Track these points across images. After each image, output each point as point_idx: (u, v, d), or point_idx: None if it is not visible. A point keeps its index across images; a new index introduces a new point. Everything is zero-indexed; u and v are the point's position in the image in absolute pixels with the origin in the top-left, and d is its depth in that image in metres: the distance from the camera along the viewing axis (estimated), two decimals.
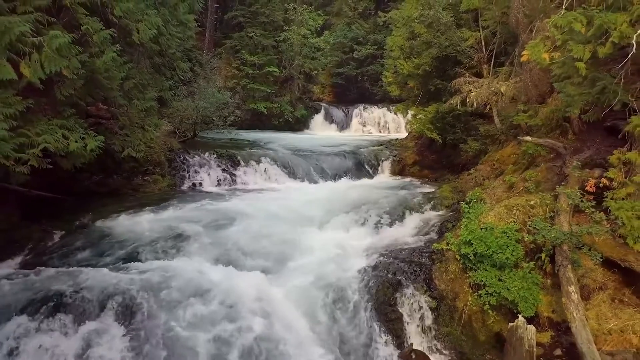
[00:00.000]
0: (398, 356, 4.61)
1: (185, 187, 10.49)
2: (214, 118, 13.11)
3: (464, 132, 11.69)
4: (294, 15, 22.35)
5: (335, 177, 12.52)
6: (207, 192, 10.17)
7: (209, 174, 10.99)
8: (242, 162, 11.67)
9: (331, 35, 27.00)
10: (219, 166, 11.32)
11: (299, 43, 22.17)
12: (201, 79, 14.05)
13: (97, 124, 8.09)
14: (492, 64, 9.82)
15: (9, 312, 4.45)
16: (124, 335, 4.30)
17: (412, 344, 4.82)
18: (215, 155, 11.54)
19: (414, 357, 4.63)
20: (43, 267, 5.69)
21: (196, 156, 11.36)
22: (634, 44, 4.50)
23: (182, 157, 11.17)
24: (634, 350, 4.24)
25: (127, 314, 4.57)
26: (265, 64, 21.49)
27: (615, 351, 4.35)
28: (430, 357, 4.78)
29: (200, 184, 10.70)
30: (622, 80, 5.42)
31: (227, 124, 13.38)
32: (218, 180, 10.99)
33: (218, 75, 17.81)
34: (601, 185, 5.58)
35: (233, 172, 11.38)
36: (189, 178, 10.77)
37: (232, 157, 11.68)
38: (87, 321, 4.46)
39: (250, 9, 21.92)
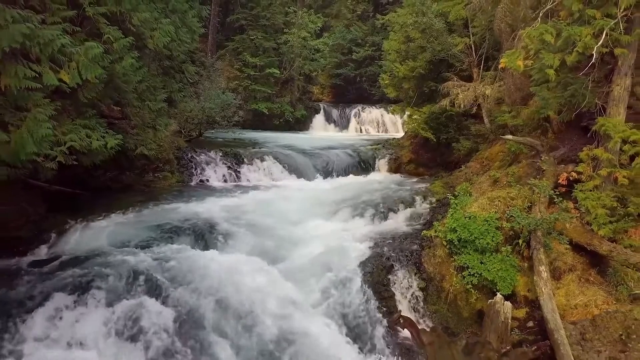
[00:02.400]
0: (388, 321, 5.26)
1: (193, 183, 11.10)
2: (217, 118, 13.72)
3: (456, 131, 12.35)
4: (294, 18, 23.00)
5: (335, 174, 13.15)
6: (214, 188, 10.79)
7: (215, 171, 11.61)
8: (246, 160, 12.30)
9: (330, 37, 27.66)
10: (225, 164, 11.95)
11: (299, 45, 22.82)
12: (206, 80, 14.66)
13: (110, 124, 8.70)
14: (481, 67, 10.49)
15: (48, 289, 5.08)
16: (153, 307, 4.93)
17: (400, 311, 5.48)
18: (220, 154, 12.17)
19: (402, 321, 5.29)
20: (71, 252, 6.37)
21: (202, 154, 11.99)
22: (595, 53, 5.16)
23: (189, 155, 11.79)
24: (591, 318, 4.89)
25: (153, 290, 5.21)
26: (266, 66, 22.12)
27: (577, 320, 5.00)
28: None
29: (207, 180, 11.33)
30: (590, 85, 6.09)
31: (231, 124, 14.00)
32: (224, 177, 11.62)
33: (221, 77, 18.41)
34: (571, 178, 6.24)
35: (237, 170, 12.01)
36: (197, 175, 11.39)
37: (236, 156, 12.32)
38: (118, 296, 5.09)
39: (251, 12, 22.57)
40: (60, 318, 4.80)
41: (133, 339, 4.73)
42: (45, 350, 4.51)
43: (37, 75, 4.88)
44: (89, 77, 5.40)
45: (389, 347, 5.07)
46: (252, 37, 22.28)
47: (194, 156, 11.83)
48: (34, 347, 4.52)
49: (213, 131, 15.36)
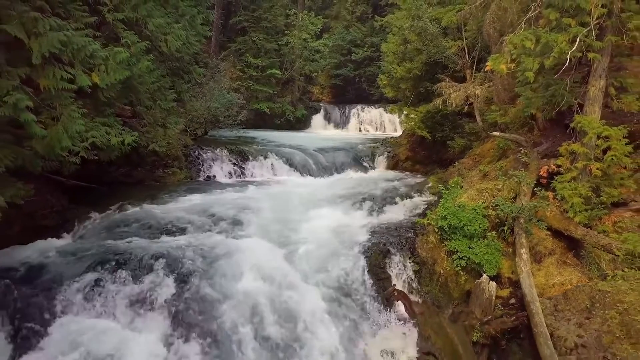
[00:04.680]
0: (384, 296, 5.86)
1: (200, 178, 11.70)
2: (220, 118, 14.29)
3: (451, 130, 12.95)
4: (295, 20, 23.60)
5: (335, 171, 13.75)
6: (220, 183, 11.38)
7: (221, 168, 12.21)
8: (250, 157, 12.92)
9: (330, 38, 28.24)
10: (230, 160, 12.55)
11: (299, 47, 23.42)
12: (210, 81, 15.24)
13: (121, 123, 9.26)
14: (474, 68, 11.09)
15: (81, 269, 5.67)
16: (172, 283, 5.53)
17: (394, 285, 6.08)
18: (226, 151, 12.77)
19: (396, 294, 5.88)
20: (95, 238, 6.96)
21: (209, 152, 12.58)
22: (569, 58, 5.76)
23: (196, 153, 12.38)
24: (563, 292, 5.48)
25: (172, 268, 5.80)
26: (267, 67, 22.73)
27: (552, 296, 5.59)
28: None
29: (214, 176, 11.93)
30: (569, 85, 6.71)
31: (235, 123, 14.60)
32: (229, 173, 12.23)
33: (225, 78, 18.99)
34: (551, 171, 6.84)
35: (242, 166, 12.62)
36: (204, 171, 11.99)
37: (241, 153, 12.93)
38: (141, 274, 5.68)
39: (253, 14, 23.17)
40: (91, 292, 5.37)
41: (156, 311, 5.32)
42: (80, 319, 5.09)
43: (71, 77, 5.46)
44: (117, 79, 5.97)
45: (385, 320, 5.68)
46: (254, 39, 22.89)
47: (201, 153, 12.41)
48: (69, 317, 5.10)
49: (217, 130, 15.98)
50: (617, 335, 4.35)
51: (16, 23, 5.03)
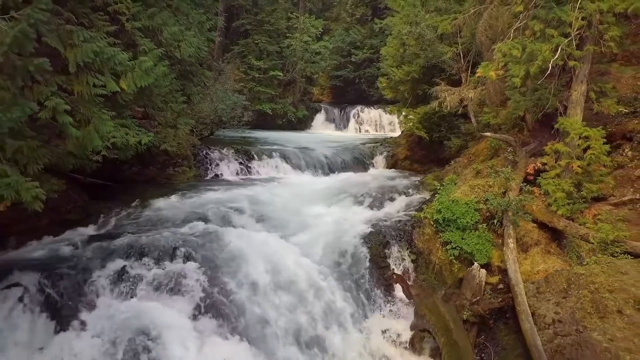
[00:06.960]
0: (384, 281, 6.46)
1: (208, 177, 12.31)
2: (224, 119, 14.83)
3: (448, 130, 13.54)
4: (296, 23, 24.19)
5: (336, 170, 14.33)
6: (228, 181, 11.98)
7: (228, 167, 12.80)
8: (255, 156, 13.51)
9: (330, 40, 28.82)
10: (236, 160, 13.15)
11: (301, 49, 24.01)
12: (218, 83, 15.82)
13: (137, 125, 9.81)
14: (468, 72, 11.69)
15: (109, 256, 6.26)
16: (193, 268, 6.13)
17: (393, 269, 6.68)
18: (232, 151, 13.37)
19: (394, 277, 6.48)
20: (117, 231, 7.54)
21: (216, 151, 13.17)
22: (550, 66, 6.37)
23: (204, 152, 12.97)
24: (544, 276, 6.08)
25: (192, 255, 6.39)
26: (270, 69, 23.32)
27: (535, 280, 6.19)
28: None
29: (222, 175, 12.53)
30: (554, 90, 7.31)
31: (241, 124, 15.20)
32: (236, 171, 12.83)
33: (229, 80, 19.55)
34: (537, 168, 7.45)
35: (248, 165, 13.22)
36: (212, 169, 12.59)
37: (247, 152, 13.53)
38: (164, 261, 6.27)
39: (256, 17, 23.75)
40: (121, 276, 5.97)
41: (179, 292, 5.92)
42: (113, 300, 5.68)
43: (102, 84, 6.04)
44: (142, 85, 6.56)
45: (385, 303, 6.28)
46: (256, 41, 23.47)
47: (209, 153, 13.00)
48: (103, 299, 5.69)
49: (222, 130, 16.55)
50: (589, 311, 4.94)
51: (54, 36, 5.61)
